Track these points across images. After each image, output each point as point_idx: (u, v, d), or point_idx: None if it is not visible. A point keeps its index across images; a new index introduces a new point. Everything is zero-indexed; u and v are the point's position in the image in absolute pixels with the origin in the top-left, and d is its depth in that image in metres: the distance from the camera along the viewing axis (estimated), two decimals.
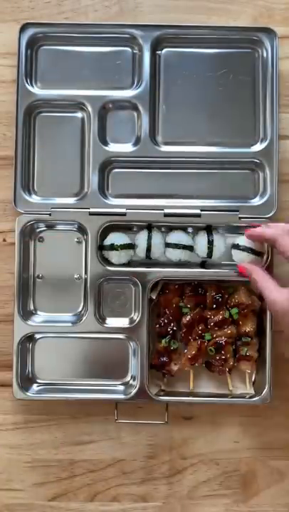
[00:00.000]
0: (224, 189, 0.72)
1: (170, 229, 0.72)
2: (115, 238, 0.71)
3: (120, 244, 0.70)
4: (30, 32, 0.71)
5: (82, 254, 0.72)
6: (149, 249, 0.71)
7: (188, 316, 0.71)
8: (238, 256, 0.70)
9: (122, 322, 0.71)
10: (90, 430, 0.72)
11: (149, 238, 0.71)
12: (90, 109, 0.71)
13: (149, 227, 0.71)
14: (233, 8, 0.73)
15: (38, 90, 0.72)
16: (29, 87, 0.71)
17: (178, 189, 0.72)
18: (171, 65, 0.72)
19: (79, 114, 0.72)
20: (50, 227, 0.72)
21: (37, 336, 0.72)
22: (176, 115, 0.72)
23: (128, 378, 0.72)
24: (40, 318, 0.72)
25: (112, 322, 0.71)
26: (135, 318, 0.71)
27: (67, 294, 0.72)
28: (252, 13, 0.73)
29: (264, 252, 0.70)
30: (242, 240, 0.70)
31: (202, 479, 0.72)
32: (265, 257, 0.70)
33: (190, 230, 0.72)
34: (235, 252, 0.71)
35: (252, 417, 0.72)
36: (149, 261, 0.72)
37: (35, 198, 0.72)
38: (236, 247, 0.70)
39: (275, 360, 0.70)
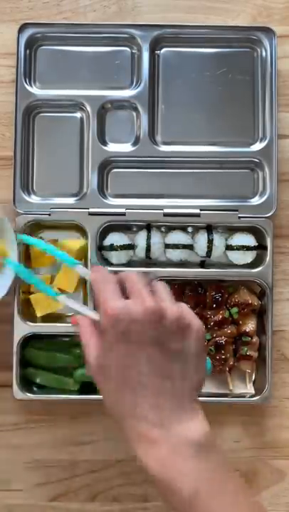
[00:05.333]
0: (223, 189, 0.72)
1: (169, 229, 0.72)
2: (115, 238, 0.71)
3: (120, 245, 0.70)
4: (28, 32, 0.71)
5: None
6: (148, 249, 0.71)
7: None
8: (234, 256, 0.71)
9: None
10: (90, 430, 0.72)
11: (148, 238, 0.71)
12: (89, 109, 0.71)
13: (148, 227, 0.71)
14: (231, 7, 0.73)
15: (36, 90, 0.72)
16: (28, 87, 0.71)
17: (177, 189, 0.72)
18: (170, 65, 0.72)
19: (78, 114, 0.72)
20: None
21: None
22: (175, 115, 0.72)
23: None
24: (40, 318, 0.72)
25: None
26: None
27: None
28: (251, 12, 0.73)
29: (265, 245, 0.70)
30: (235, 240, 0.70)
31: None
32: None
33: (190, 229, 0.72)
34: (230, 253, 0.71)
35: (252, 417, 0.72)
36: (148, 261, 0.72)
37: (34, 198, 0.72)
38: (230, 248, 0.70)
39: (275, 359, 0.70)
